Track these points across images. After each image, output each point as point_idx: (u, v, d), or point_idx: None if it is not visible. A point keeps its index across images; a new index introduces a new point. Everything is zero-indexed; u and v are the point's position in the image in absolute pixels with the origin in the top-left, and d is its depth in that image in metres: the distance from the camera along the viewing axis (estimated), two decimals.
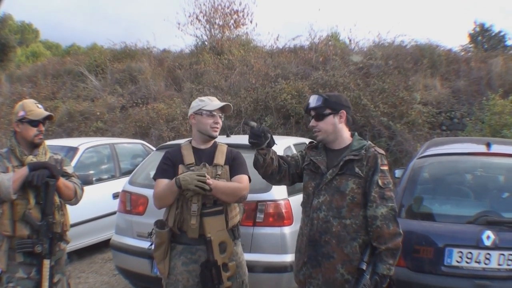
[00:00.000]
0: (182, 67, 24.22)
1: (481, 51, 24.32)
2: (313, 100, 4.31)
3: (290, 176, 4.53)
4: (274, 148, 4.39)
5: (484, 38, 33.55)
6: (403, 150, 16.92)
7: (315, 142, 4.57)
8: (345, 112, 4.28)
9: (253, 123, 4.31)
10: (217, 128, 4.87)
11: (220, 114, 4.93)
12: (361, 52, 22.81)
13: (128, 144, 12.63)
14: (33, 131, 4.91)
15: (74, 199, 5.11)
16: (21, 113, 4.92)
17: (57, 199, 4.94)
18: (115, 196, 9.66)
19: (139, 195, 6.88)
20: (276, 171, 4.44)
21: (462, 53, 23.54)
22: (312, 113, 4.32)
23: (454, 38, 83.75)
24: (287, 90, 18.85)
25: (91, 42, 41.74)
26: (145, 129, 19.68)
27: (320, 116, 4.26)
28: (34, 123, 4.91)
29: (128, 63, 25.11)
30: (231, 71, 22.55)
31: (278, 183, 4.65)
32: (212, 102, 4.89)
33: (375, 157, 4.13)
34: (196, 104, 4.93)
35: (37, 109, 4.99)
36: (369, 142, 4.32)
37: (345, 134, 4.34)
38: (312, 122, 4.34)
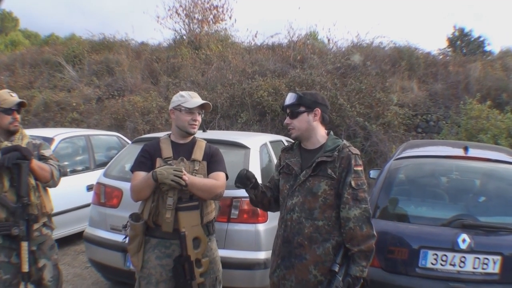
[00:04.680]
0: (160, 60, 24.18)
1: (460, 55, 24.43)
2: (289, 98, 4.32)
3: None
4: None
5: (463, 43, 33.60)
6: (378, 150, 17.03)
7: (289, 144, 4.61)
8: (319, 110, 4.25)
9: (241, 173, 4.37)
10: (195, 125, 4.86)
11: (200, 111, 4.91)
12: (339, 52, 22.83)
13: (103, 136, 12.54)
14: (7, 119, 5.02)
15: (51, 181, 5.16)
16: None
17: (32, 181, 5.00)
18: (89, 188, 9.63)
19: (114, 188, 6.85)
20: (272, 201, 4.55)
21: (441, 56, 23.67)
22: (287, 110, 4.32)
23: (433, 42, 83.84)
24: (264, 87, 18.87)
25: (70, 32, 41.52)
26: (120, 121, 19.60)
27: (294, 114, 4.25)
28: (7, 111, 5.02)
29: (105, 55, 25.01)
30: (208, 66, 22.54)
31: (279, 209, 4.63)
32: (192, 99, 4.87)
33: (348, 158, 4.10)
34: (176, 99, 4.91)
35: (10, 98, 5.09)
36: (344, 141, 4.30)
37: (320, 133, 4.32)
38: (287, 120, 4.34)
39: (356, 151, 4.21)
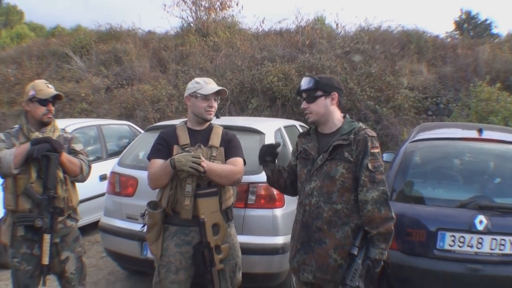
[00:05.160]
0: (168, 48, 24.16)
1: (467, 38, 24.38)
2: (305, 82, 4.30)
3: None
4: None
5: (470, 26, 33.58)
6: (389, 134, 17.04)
7: (305, 130, 4.60)
8: (336, 94, 4.25)
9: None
10: (212, 111, 4.84)
11: (216, 98, 4.89)
12: (347, 36, 22.78)
13: (114, 126, 12.51)
14: (42, 110, 4.99)
15: (80, 175, 5.13)
16: (31, 93, 5.00)
17: (60, 174, 4.97)
18: (102, 178, 9.62)
19: (129, 177, 6.81)
20: (289, 183, 4.55)
21: (449, 39, 23.62)
22: (304, 95, 4.31)
23: (440, 25, 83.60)
24: (274, 73, 18.85)
25: (75, 24, 41.52)
26: (130, 110, 19.63)
27: (311, 98, 4.23)
28: (43, 102, 4.99)
29: (113, 44, 24.98)
30: (217, 53, 22.54)
31: (295, 193, 4.63)
32: (208, 85, 4.84)
33: (364, 140, 4.08)
34: (192, 86, 4.90)
35: (46, 89, 5.07)
36: (360, 124, 4.28)
37: (337, 116, 4.30)
38: (304, 104, 4.31)
39: (372, 133, 4.19)
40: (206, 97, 4.77)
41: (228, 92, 4.97)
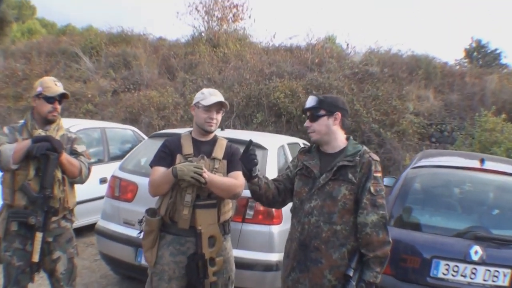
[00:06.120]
0: (177, 56, 24.21)
1: (476, 67, 24.41)
2: (310, 101, 4.31)
3: (289, 192, 4.50)
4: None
5: (480, 54, 33.63)
6: (391, 158, 17.04)
7: (307, 146, 4.58)
8: (340, 114, 4.24)
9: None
10: (212, 123, 4.82)
11: (219, 110, 4.88)
12: (358, 57, 22.78)
13: (118, 129, 12.50)
14: (47, 107, 5.01)
15: (79, 177, 5.13)
16: (39, 89, 5.03)
17: (59, 174, 4.97)
18: (102, 180, 9.63)
19: (129, 182, 6.83)
20: (276, 194, 4.45)
21: (457, 67, 23.63)
22: (308, 113, 4.32)
23: (450, 52, 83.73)
24: (281, 89, 18.90)
25: (86, 24, 41.64)
26: (135, 115, 19.66)
27: (314, 117, 4.24)
28: (49, 99, 5.01)
29: (123, 48, 25.07)
30: (226, 64, 22.59)
31: (283, 203, 4.62)
32: (210, 97, 4.82)
33: (369, 164, 4.10)
34: (197, 96, 4.91)
35: (54, 87, 5.09)
36: (365, 147, 4.29)
37: (340, 137, 4.31)
38: (307, 123, 4.33)
39: (376, 157, 4.21)
40: (207, 108, 4.77)
41: (228, 105, 4.94)
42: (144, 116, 19.28)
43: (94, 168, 9.81)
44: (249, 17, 27.54)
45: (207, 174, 4.50)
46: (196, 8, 27.10)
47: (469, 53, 34.01)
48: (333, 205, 4.08)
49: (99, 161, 10.51)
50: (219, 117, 4.90)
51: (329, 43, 24.97)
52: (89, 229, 8.71)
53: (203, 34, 26.78)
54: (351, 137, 4.39)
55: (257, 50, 24.68)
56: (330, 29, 33.81)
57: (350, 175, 4.08)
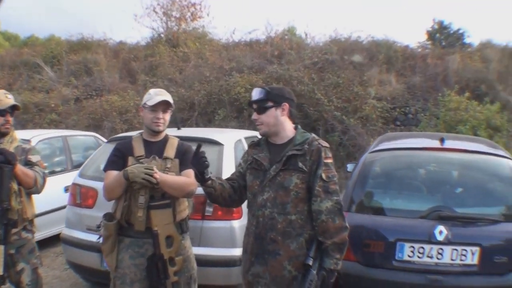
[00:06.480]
0: (137, 59, 24.26)
1: (439, 48, 24.49)
2: (255, 93, 4.26)
3: (244, 189, 4.46)
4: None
5: (442, 36, 33.65)
6: (356, 144, 17.08)
7: (256, 140, 4.55)
8: (287, 105, 4.21)
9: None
10: (159, 123, 4.82)
11: (166, 109, 4.87)
12: (317, 47, 22.86)
13: (80, 137, 12.48)
14: (0, 120, 5.00)
15: (34, 187, 5.13)
16: None
17: (15, 186, 4.96)
18: (67, 189, 9.58)
19: (89, 188, 6.82)
20: (232, 192, 4.41)
21: (419, 49, 23.69)
22: (255, 106, 4.27)
23: (413, 36, 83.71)
24: (241, 84, 18.94)
25: (50, 33, 41.35)
26: (98, 121, 19.64)
27: (262, 109, 4.19)
28: (1, 112, 5.02)
29: (84, 55, 25.04)
30: (186, 63, 22.64)
31: (241, 201, 4.58)
32: (155, 97, 4.81)
33: (318, 151, 4.07)
34: (144, 96, 4.91)
35: (5, 99, 5.08)
36: (313, 135, 4.28)
37: (288, 127, 4.28)
38: (254, 115, 4.29)
39: (325, 144, 4.19)
40: (153, 108, 4.77)
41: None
42: (107, 121, 19.26)
43: (58, 177, 9.87)
44: (208, 14, 27.68)
45: (159, 174, 4.50)
46: (154, 10, 27.13)
47: (431, 35, 34.00)
48: (285, 195, 4.06)
49: (63, 170, 10.48)
50: (166, 116, 4.88)
51: (288, 34, 24.94)
52: (58, 238, 8.69)
53: (162, 35, 26.82)
54: (299, 126, 4.36)
55: (217, 47, 24.70)
56: (289, 21, 33.69)
57: (300, 164, 4.05)
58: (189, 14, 27.35)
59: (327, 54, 21.01)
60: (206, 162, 4.08)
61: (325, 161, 4.07)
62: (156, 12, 27.08)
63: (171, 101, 4.90)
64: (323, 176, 4.02)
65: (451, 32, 33.37)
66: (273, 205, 4.09)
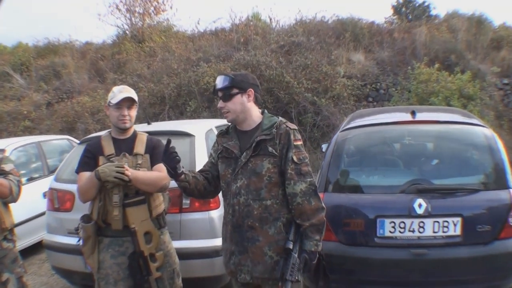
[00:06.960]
0: (105, 58, 24.23)
1: (405, 22, 24.56)
2: (220, 81, 4.22)
3: (218, 179, 4.43)
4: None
5: (408, 10, 33.72)
6: (330, 124, 17.16)
7: (224, 128, 4.53)
8: (252, 91, 4.21)
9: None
10: (125, 120, 4.82)
11: (134, 105, 4.88)
12: (283, 30, 22.88)
13: (54, 141, 12.41)
14: None
15: (10, 196, 5.09)
16: None
17: None
18: (45, 195, 9.58)
19: (65, 191, 6.81)
20: (206, 184, 4.39)
21: (386, 25, 23.78)
22: (220, 94, 4.25)
23: (378, 12, 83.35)
24: (209, 73, 18.86)
25: (17, 41, 41.06)
26: (71, 123, 19.65)
27: (227, 97, 4.18)
28: None
29: (51, 59, 24.96)
30: (153, 58, 22.62)
31: (216, 192, 4.55)
32: (119, 94, 4.80)
33: (287, 133, 4.08)
34: (109, 95, 4.90)
35: None
36: (281, 118, 4.28)
37: (255, 113, 4.28)
38: (220, 103, 4.26)
39: (293, 126, 4.21)
40: (117, 106, 4.77)
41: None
42: (80, 123, 19.27)
43: (36, 184, 9.82)
44: (171, 7, 27.66)
45: (130, 172, 4.53)
46: (117, 7, 26.99)
47: (397, 9, 34.05)
48: (259, 181, 4.06)
49: (40, 176, 10.48)
50: (132, 113, 4.88)
51: (253, 20, 24.90)
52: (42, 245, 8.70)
53: (127, 32, 26.74)
54: (266, 111, 4.37)
55: (182, 39, 24.71)
56: (253, 7, 33.60)
57: (270, 148, 4.05)
58: (152, 8, 27.23)
59: (293, 37, 21.05)
60: (177, 157, 4.05)
61: (295, 143, 4.08)
62: (120, 10, 26.96)
63: (135, 97, 4.90)
64: (294, 158, 4.03)
65: (417, 5, 33.52)
66: (248, 192, 4.09)
